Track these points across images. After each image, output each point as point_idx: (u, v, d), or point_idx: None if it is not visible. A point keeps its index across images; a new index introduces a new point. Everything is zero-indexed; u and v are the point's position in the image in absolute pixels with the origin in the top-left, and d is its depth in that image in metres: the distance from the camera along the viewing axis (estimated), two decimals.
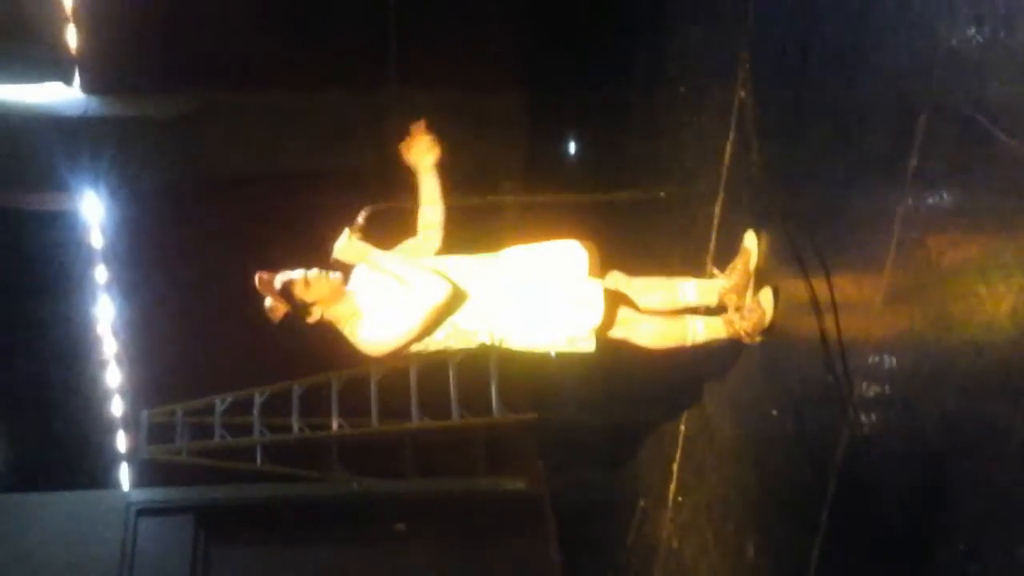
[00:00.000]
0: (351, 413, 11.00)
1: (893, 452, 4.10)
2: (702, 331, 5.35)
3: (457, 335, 5.00)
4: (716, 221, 5.94)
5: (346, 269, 5.00)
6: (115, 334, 11.17)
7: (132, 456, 11.73)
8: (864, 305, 4.27)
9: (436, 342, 5.01)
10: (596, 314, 5.00)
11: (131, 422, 11.63)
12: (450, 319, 4.92)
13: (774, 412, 5.22)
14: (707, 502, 6.22)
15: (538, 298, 5.01)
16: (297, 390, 11.09)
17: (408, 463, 11.45)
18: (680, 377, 6.43)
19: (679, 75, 6.60)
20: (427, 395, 10.76)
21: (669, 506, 6.78)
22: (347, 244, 4.79)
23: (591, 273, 5.15)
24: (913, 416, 3.94)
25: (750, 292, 5.28)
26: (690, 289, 5.40)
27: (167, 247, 10.38)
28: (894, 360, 4.07)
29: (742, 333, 5.21)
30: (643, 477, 7.36)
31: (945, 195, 3.71)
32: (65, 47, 9.11)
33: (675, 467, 6.66)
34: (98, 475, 11.78)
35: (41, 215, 10.41)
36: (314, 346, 10.60)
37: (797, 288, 4.87)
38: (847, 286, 4.44)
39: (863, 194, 4.34)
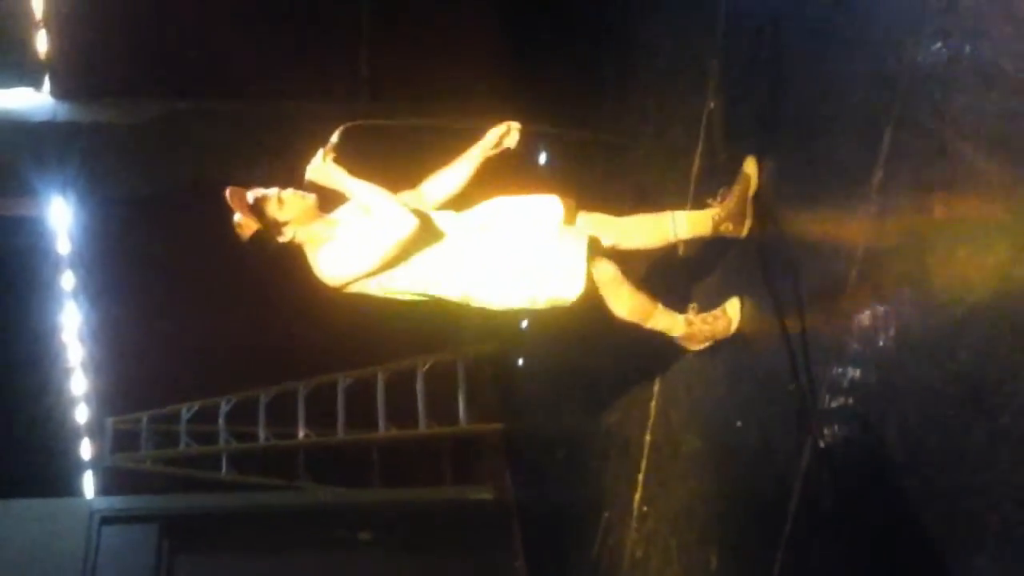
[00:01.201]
0: (317, 422, 11.02)
1: (856, 464, 4.13)
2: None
3: (424, 284, 4.82)
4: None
5: (323, 193, 4.78)
6: (81, 341, 11.13)
7: (96, 464, 11.70)
8: (829, 317, 4.31)
9: (401, 288, 4.83)
10: (578, 277, 4.77)
11: (96, 429, 11.59)
12: (422, 267, 4.75)
13: (739, 423, 5.25)
14: (672, 512, 6.24)
15: (516, 253, 4.81)
16: (263, 398, 11.11)
17: (374, 472, 11.48)
18: (645, 387, 6.46)
19: (647, 87, 6.65)
20: (394, 404, 10.78)
21: (634, 516, 6.79)
22: (319, 166, 4.64)
23: (568, 222, 4.96)
24: (876, 428, 3.98)
25: (748, 220, 5.00)
26: (681, 221, 5.12)
27: (134, 254, 10.36)
28: (858, 372, 4.10)
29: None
30: (608, 487, 7.38)
31: (910, 209, 3.76)
32: (35, 52, 9.08)
33: (640, 477, 6.68)
34: (62, 483, 11.73)
35: (7, 220, 10.37)
36: (280, 354, 10.75)
37: (762, 299, 4.91)
38: (812, 298, 4.48)
39: (829, 207, 4.39)
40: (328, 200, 4.81)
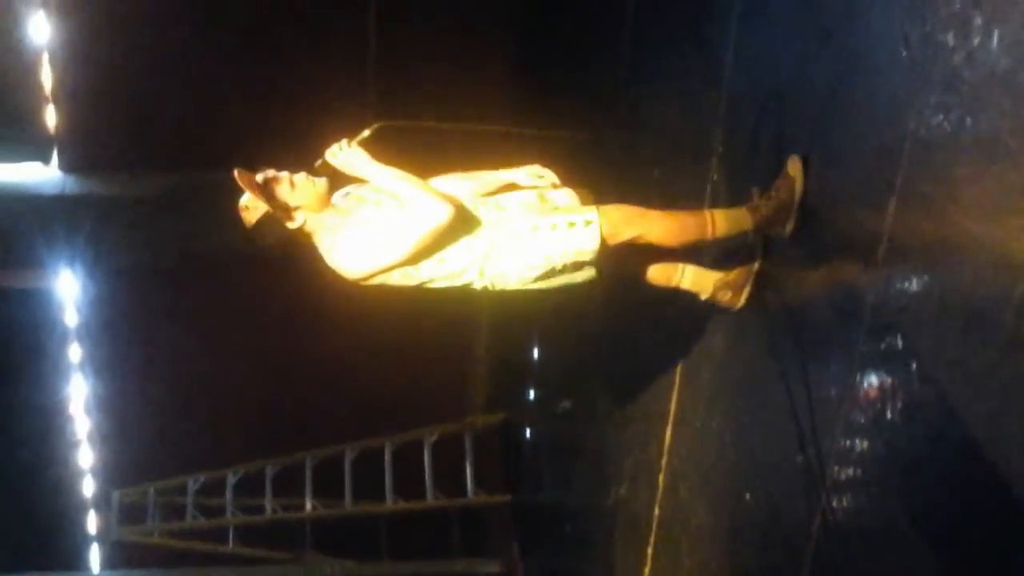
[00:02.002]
0: (325, 494, 10.96)
1: (865, 537, 4.11)
2: (722, 221, 4.73)
3: (448, 271, 4.57)
4: None
5: (334, 182, 4.57)
6: (87, 413, 11.10)
7: (103, 537, 11.62)
8: (836, 388, 4.29)
9: (425, 277, 4.58)
10: (594, 235, 4.49)
11: (102, 502, 11.53)
12: (446, 253, 4.50)
13: (748, 495, 5.22)
14: None
15: (532, 222, 4.56)
16: (270, 470, 11.05)
17: (382, 544, 11.39)
18: (654, 459, 6.43)
19: (653, 159, 6.67)
20: (401, 475, 10.73)
21: None
22: (343, 151, 4.40)
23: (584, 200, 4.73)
24: (885, 501, 3.95)
25: (790, 223, 4.62)
26: (720, 220, 4.74)
27: (141, 326, 10.36)
28: (866, 444, 4.09)
29: (770, 216, 4.63)
30: (617, 560, 7.33)
31: (915, 280, 3.75)
32: (44, 127, 9.14)
33: (649, 550, 6.63)
34: (68, 556, 11.66)
35: (15, 292, 10.38)
36: (287, 425, 10.72)
37: (769, 369, 4.89)
38: (819, 368, 4.46)
39: (834, 277, 4.39)
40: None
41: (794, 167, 4.57)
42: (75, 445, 11.33)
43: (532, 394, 9.87)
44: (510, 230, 4.55)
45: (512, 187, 4.90)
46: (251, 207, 4.47)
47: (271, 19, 8.93)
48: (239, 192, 4.45)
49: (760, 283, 4.95)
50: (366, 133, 4.47)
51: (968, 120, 3.40)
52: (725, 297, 5.02)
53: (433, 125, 4.80)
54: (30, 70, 8.72)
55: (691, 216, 4.82)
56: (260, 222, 4.48)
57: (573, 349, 8.60)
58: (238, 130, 8.80)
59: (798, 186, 4.54)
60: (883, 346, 3.94)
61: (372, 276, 4.52)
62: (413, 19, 9.14)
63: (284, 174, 4.45)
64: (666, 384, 6.32)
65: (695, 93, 5.97)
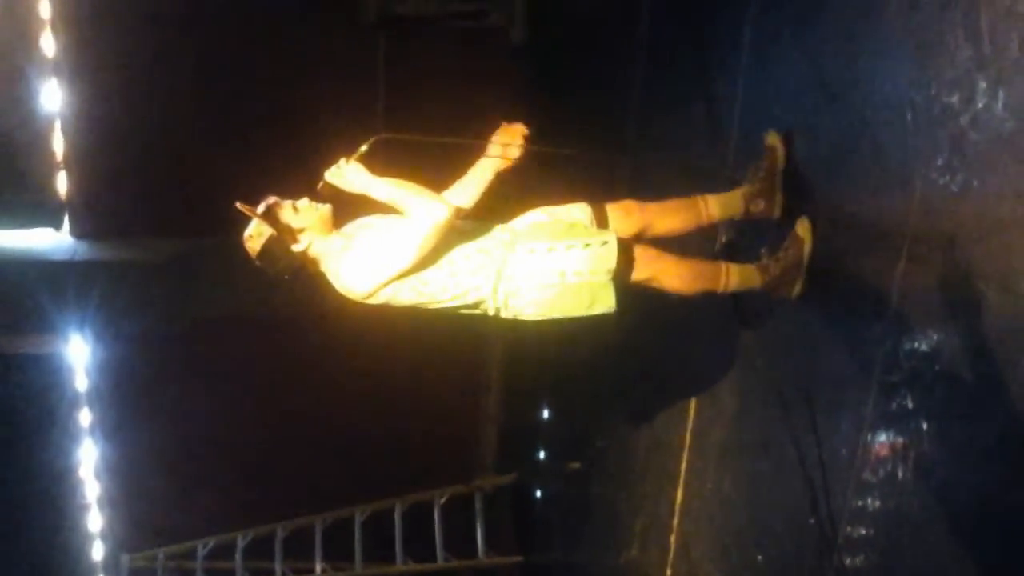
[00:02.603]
0: (335, 556, 10.91)
1: None
2: (735, 275, 4.75)
3: (457, 287, 4.51)
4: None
5: (338, 206, 4.57)
6: (97, 477, 11.09)
7: None
8: (847, 447, 4.30)
9: (433, 293, 4.51)
10: (611, 254, 4.45)
11: (111, 566, 11.48)
12: (455, 267, 4.48)
13: (759, 557, 5.21)
14: None
15: (546, 243, 4.50)
16: (280, 533, 11.00)
17: None
18: (665, 519, 6.42)
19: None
20: (412, 537, 10.70)
21: None
22: (341, 169, 4.37)
23: (600, 224, 4.70)
24: (897, 561, 3.95)
25: (778, 196, 4.75)
26: (712, 203, 4.84)
27: (151, 390, 10.36)
28: (878, 503, 4.09)
29: (779, 276, 4.64)
30: None
31: (924, 340, 3.78)
32: (55, 193, 9.21)
33: None
34: None
35: (27, 357, 10.41)
36: (297, 487, 10.70)
37: (778, 427, 4.90)
38: (829, 427, 4.47)
39: (843, 336, 4.41)
40: (342, 215, 4.62)
41: (803, 228, 4.58)
42: (85, 509, 11.31)
43: (543, 454, 9.85)
44: (525, 247, 4.51)
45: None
46: (256, 235, 4.47)
47: (281, 87, 9.01)
48: (245, 223, 4.48)
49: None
50: (363, 148, 4.45)
51: (975, 182, 3.44)
52: (759, 207, 4.81)
53: (433, 139, 4.78)
54: (43, 137, 8.81)
55: (707, 265, 4.83)
56: (265, 248, 4.47)
57: (583, 409, 8.61)
58: (248, 196, 8.85)
59: (807, 248, 4.55)
60: (893, 405, 3.96)
61: (379, 289, 4.48)
62: (421, 61, 9.22)
63: (287, 200, 4.48)
64: (676, 444, 6.33)
65: (702, 152, 6.02)
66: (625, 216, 4.76)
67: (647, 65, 7.10)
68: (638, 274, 4.61)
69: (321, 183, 4.46)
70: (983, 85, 3.38)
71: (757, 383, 5.24)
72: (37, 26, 8.38)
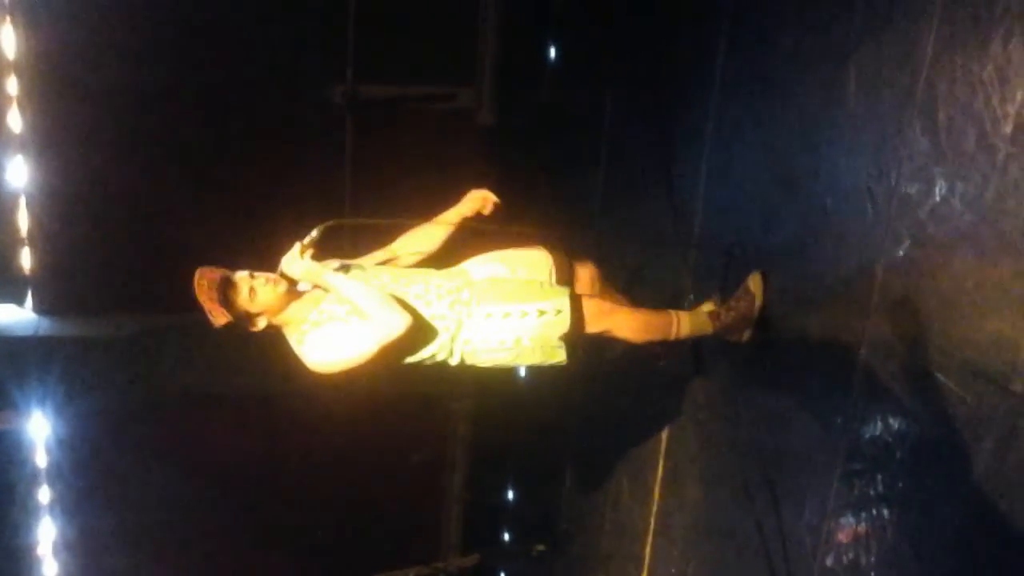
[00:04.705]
0: None
1: None
2: (686, 324, 4.96)
3: (415, 356, 4.64)
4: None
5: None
6: (55, 555, 10.95)
7: None
8: (811, 536, 4.30)
9: (398, 359, 4.62)
10: (563, 323, 4.60)
11: None
12: (412, 342, 4.54)
13: None
14: None
15: (503, 307, 4.63)
16: None
17: None
18: (642, 566, 6.40)
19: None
20: None
21: None
22: (297, 262, 4.45)
23: (559, 278, 4.85)
24: None
25: (750, 330, 4.92)
26: (685, 321, 4.98)
27: (112, 467, 10.27)
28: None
29: (730, 326, 4.92)
30: None
31: (885, 427, 3.79)
32: (19, 269, 9.17)
33: None
34: None
35: None
36: (260, 567, 10.59)
37: (742, 513, 4.89)
38: (792, 512, 4.48)
39: (806, 427, 4.42)
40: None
41: (755, 283, 4.83)
42: None
43: (507, 536, 9.79)
44: (481, 311, 4.63)
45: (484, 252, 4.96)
46: (215, 314, 4.44)
47: (248, 165, 9.04)
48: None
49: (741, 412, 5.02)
50: (314, 234, 4.49)
51: (934, 272, 3.47)
52: (731, 337, 5.01)
53: (385, 222, 4.86)
54: (7, 212, 8.78)
55: (658, 316, 4.98)
56: (225, 325, 4.47)
57: (548, 489, 8.58)
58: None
59: (757, 303, 4.81)
60: (856, 492, 3.97)
61: (336, 373, 4.52)
62: (388, 142, 9.27)
63: (244, 282, 4.46)
64: (641, 528, 6.31)
65: (666, 241, 6.06)
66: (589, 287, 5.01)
67: (612, 148, 7.17)
68: (591, 328, 4.75)
69: (278, 272, 4.51)
70: (941, 179, 3.43)
71: (721, 468, 5.24)
72: (3, 101, 8.39)
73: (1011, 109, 3.13)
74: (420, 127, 9.36)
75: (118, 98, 8.57)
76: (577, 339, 4.70)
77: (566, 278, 4.92)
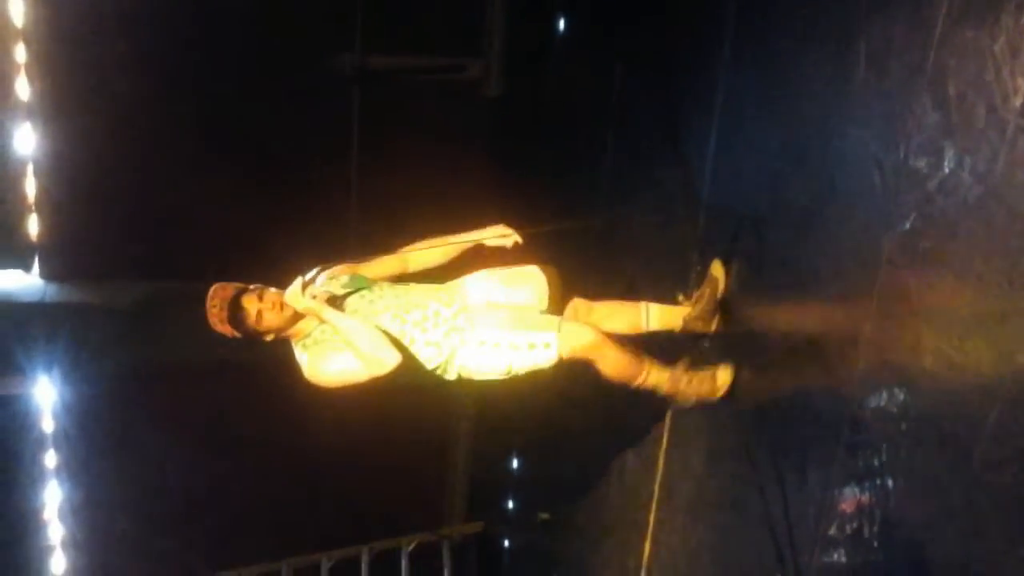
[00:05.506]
0: None
1: None
2: (652, 378, 5.14)
3: (420, 368, 4.93)
4: None
5: None
6: (62, 519, 11.01)
7: None
8: (814, 506, 4.32)
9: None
10: (552, 358, 4.89)
11: None
12: (408, 352, 4.85)
13: None
14: None
15: (495, 337, 4.92)
16: None
17: None
18: (631, 572, 6.43)
19: (630, 278, 6.75)
20: None
21: None
22: (299, 298, 4.71)
23: (552, 301, 5.16)
24: None
25: (716, 318, 5.26)
26: (654, 314, 5.35)
27: (118, 432, 10.31)
28: (844, 558, 4.11)
29: (680, 396, 5.17)
30: None
31: (890, 399, 3.81)
32: (26, 236, 9.20)
33: None
34: None
35: None
36: (263, 532, 10.64)
37: (746, 482, 4.92)
38: (796, 483, 4.50)
39: (811, 399, 4.44)
40: None
41: (716, 269, 5.19)
42: (49, 551, 11.21)
43: (511, 504, 9.84)
44: (475, 338, 4.93)
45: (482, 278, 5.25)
46: (224, 332, 4.80)
47: (255, 135, 9.04)
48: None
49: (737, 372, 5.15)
50: (314, 273, 4.92)
51: (942, 246, 3.49)
52: (697, 326, 5.30)
53: (389, 257, 5.17)
54: (15, 180, 8.79)
55: (635, 359, 5.13)
56: (233, 338, 4.83)
57: (552, 460, 8.62)
58: (217, 241, 8.88)
59: (721, 287, 5.20)
60: (860, 463, 3.98)
61: (334, 388, 4.87)
62: (394, 114, 9.27)
63: (252, 304, 4.77)
64: (645, 497, 6.34)
65: (673, 213, 6.07)
66: (573, 315, 5.24)
67: (620, 120, 7.17)
68: (578, 358, 4.99)
69: (283, 303, 4.79)
70: (950, 152, 3.44)
71: (725, 439, 5.26)
72: (12, 70, 8.39)
73: (1022, 82, 3.13)
74: (428, 98, 9.36)
75: (125, 66, 8.58)
76: (566, 365, 5.00)
77: (559, 297, 5.21)
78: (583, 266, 7.61)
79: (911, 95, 3.68)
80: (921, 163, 3.60)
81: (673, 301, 5.39)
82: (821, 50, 4.40)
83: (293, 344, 4.93)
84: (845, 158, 4.15)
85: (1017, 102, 3.14)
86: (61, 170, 8.88)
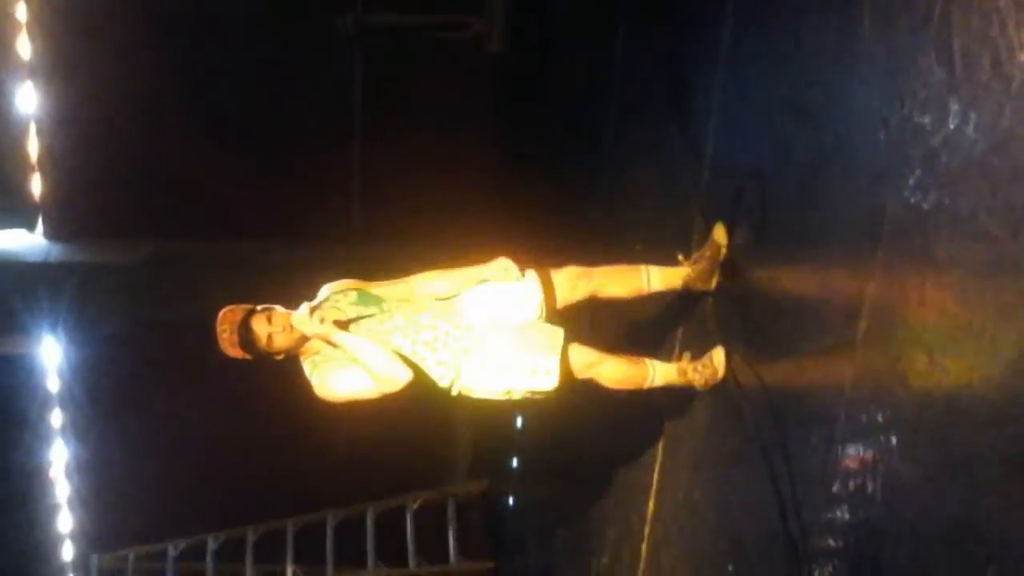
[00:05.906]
0: (306, 560, 10.91)
1: None
2: (659, 376, 5.35)
3: (427, 386, 5.00)
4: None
5: None
6: (68, 477, 11.07)
7: None
8: (818, 457, 4.34)
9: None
10: (551, 382, 4.97)
11: (81, 567, 11.46)
12: (418, 369, 4.93)
13: (730, 567, 5.25)
14: None
15: (497, 360, 4.98)
16: (251, 536, 11.00)
17: None
18: (637, 527, 6.45)
19: (632, 238, 6.75)
20: (384, 542, 10.70)
21: None
22: (307, 323, 4.73)
23: (548, 304, 5.18)
24: (867, 570, 3.98)
25: (715, 278, 5.31)
26: (655, 275, 5.36)
27: (123, 391, 10.35)
28: (847, 515, 4.12)
29: (694, 383, 5.34)
30: None
31: (895, 357, 3.81)
32: (29, 195, 9.20)
33: None
34: None
35: None
36: (269, 490, 10.69)
37: (750, 440, 4.94)
38: (800, 440, 4.51)
39: (814, 354, 4.45)
40: None
41: (719, 233, 5.23)
42: (55, 509, 11.29)
43: (515, 462, 9.87)
44: (482, 359, 4.99)
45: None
46: (235, 356, 4.88)
47: (257, 94, 9.02)
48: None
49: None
50: (322, 295, 5.03)
51: (946, 201, 3.48)
52: (697, 286, 5.36)
53: (389, 283, 5.24)
54: (17, 139, 8.79)
55: (636, 367, 5.33)
56: (244, 360, 4.92)
57: (556, 418, 8.63)
58: (221, 200, 8.89)
59: (723, 251, 5.23)
60: (864, 420, 3.99)
61: (340, 404, 5.03)
62: (397, 71, 9.27)
63: (262, 328, 4.80)
64: (649, 455, 6.36)
65: (676, 172, 6.06)
66: (572, 288, 5.29)
67: (623, 79, 7.15)
68: (577, 377, 5.19)
69: (290, 327, 4.82)
70: (955, 107, 3.43)
71: (729, 397, 5.27)
72: (13, 29, 8.37)
73: None
74: (431, 56, 9.33)
75: (127, 24, 8.56)
76: (565, 386, 5.07)
77: (552, 305, 5.22)
78: (585, 228, 7.64)
79: (916, 50, 3.66)
80: (926, 119, 3.59)
81: (673, 262, 5.40)
82: (826, 6, 4.38)
83: (302, 360, 4.99)
84: (850, 114, 4.14)
85: (1023, 57, 3.13)
86: (64, 129, 8.88)
